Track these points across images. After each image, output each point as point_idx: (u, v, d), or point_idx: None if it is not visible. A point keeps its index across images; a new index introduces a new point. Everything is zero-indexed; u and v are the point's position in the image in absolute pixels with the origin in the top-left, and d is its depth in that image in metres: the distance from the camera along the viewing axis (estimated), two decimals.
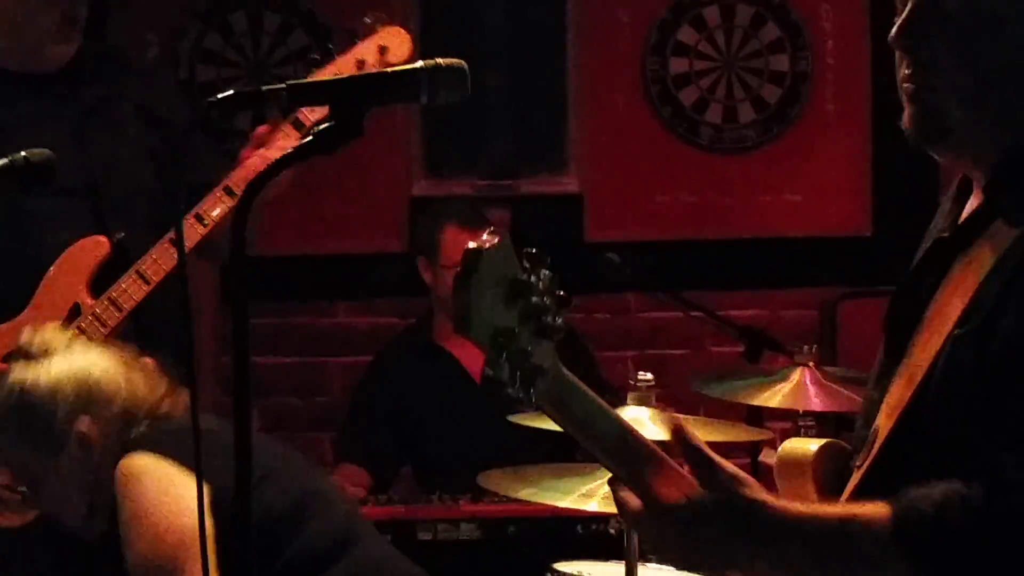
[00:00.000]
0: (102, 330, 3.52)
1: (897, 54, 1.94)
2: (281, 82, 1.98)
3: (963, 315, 1.81)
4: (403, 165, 5.90)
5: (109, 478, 2.89)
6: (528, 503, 3.65)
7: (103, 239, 3.59)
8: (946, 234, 1.94)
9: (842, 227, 5.98)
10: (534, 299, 1.74)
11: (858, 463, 1.94)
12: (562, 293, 1.78)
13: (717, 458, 1.85)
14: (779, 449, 2.12)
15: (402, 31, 3.52)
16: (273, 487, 2.93)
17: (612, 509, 3.30)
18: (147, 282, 3.51)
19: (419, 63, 1.96)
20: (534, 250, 1.77)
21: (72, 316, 3.55)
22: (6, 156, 2.58)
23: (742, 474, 1.84)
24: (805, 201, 5.98)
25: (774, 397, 3.76)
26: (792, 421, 3.87)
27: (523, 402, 1.76)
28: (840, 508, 1.86)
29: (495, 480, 3.63)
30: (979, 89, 1.87)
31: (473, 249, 1.70)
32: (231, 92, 2.00)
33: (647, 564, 3.71)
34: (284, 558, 2.91)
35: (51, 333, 3.04)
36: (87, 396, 2.93)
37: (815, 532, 1.82)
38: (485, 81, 5.85)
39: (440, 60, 1.96)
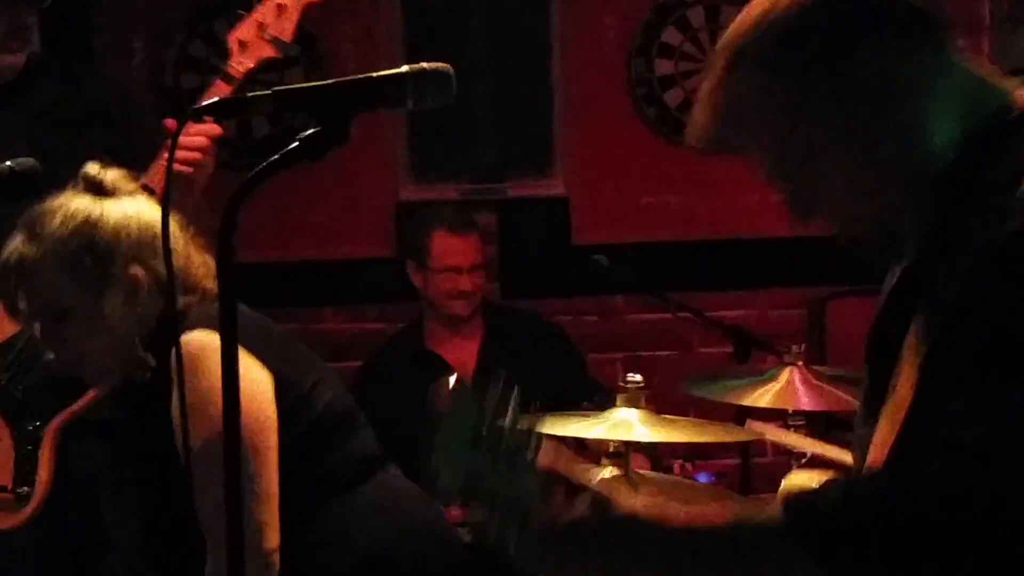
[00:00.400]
0: None
1: None
2: (266, 88, 1.98)
3: (931, 347, 1.80)
4: (389, 170, 5.90)
5: (145, 340, 2.87)
6: None
7: None
8: (901, 275, 1.95)
9: (829, 227, 5.98)
10: (502, 444, 1.74)
11: None
12: (525, 429, 1.77)
13: (585, 483, 1.87)
14: (782, 483, 2.12)
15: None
16: (329, 390, 3.02)
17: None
18: None
19: (405, 68, 1.96)
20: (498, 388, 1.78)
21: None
22: None
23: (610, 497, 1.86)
24: None
25: (763, 397, 3.76)
26: (782, 420, 3.86)
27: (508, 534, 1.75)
28: (727, 511, 1.85)
29: None
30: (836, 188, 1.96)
31: (435, 409, 1.71)
32: (216, 100, 2.00)
33: None
34: (333, 459, 2.97)
35: (120, 175, 2.95)
36: (148, 245, 2.85)
37: (708, 540, 1.81)
38: (470, 85, 5.85)
39: (425, 65, 1.96)
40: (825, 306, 5.90)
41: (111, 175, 2.92)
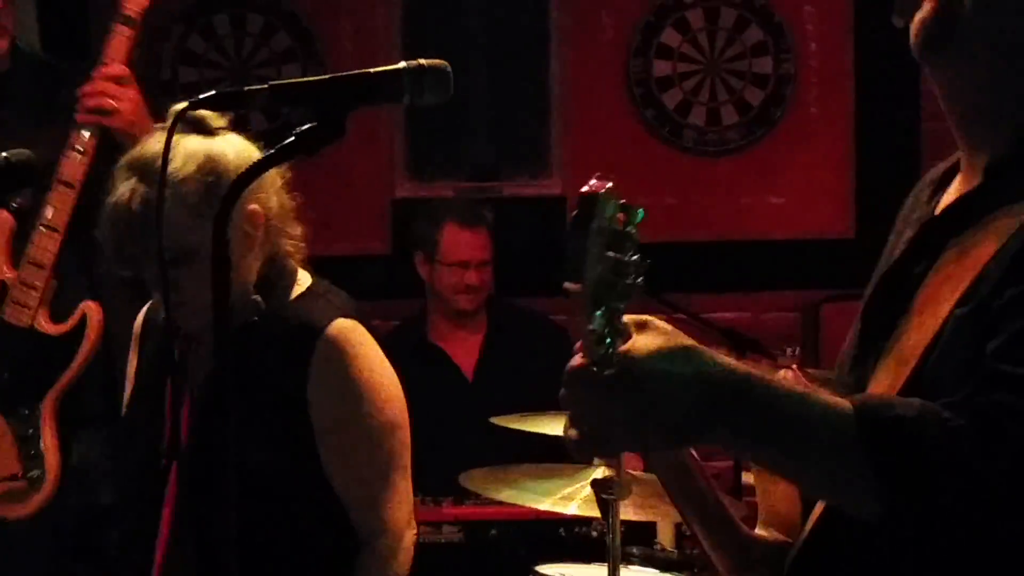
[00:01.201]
0: (34, 293, 3.53)
1: None
2: (263, 83, 1.98)
3: (964, 296, 1.73)
4: (386, 167, 5.90)
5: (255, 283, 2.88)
6: (510, 505, 3.65)
7: (3, 212, 3.59)
8: (936, 215, 1.89)
9: (825, 229, 5.99)
10: (630, 256, 1.71)
11: None
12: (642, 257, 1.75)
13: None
14: None
15: None
16: None
17: (594, 512, 3.32)
18: (55, 230, 3.51)
19: (402, 64, 1.96)
20: (623, 200, 1.73)
21: (2, 294, 3.57)
22: None
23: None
24: (788, 203, 5.98)
25: None
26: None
27: (604, 364, 1.73)
28: (799, 388, 1.78)
29: (477, 480, 3.63)
30: (1003, 30, 1.82)
31: (588, 194, 1.67)
32: (213, 93, 2.00)
33: (630, 566, 3.71)
34: None
35: (215, 114, 2.86)
36: (262, 181, 2.79)
37: (775, 401, 1.74)
38: (468, 83, 5.85)
39: (423, 61, 1.96)
40: (820, 309, 5.90)
41: (210, 114, 2.88)
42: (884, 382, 1.82)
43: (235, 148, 2.81)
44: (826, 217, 5.99)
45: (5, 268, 3.59)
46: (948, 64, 1.86)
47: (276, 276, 2.92)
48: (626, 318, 1.78)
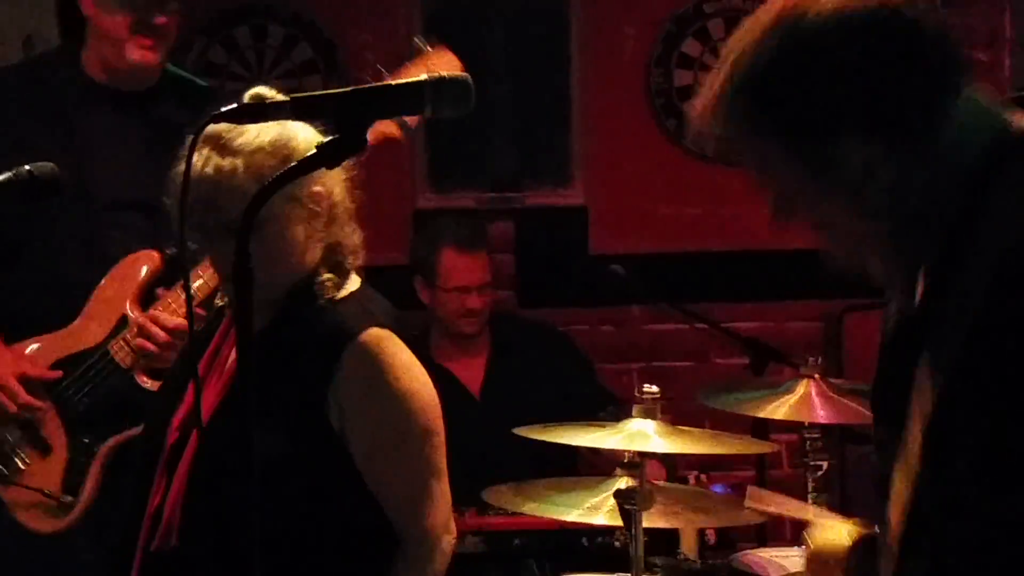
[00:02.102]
0: (145, 345, 3.57)
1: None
2: (285, 95, 1.99)
3: (934, 411, 1.78)
4: (407, 177, 5.90)
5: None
6: (535, 516, 3.65)
7: (155, 253, 3.66)
8: (909, 316, 1.92)
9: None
10: None
11: (882, 562, 1.91)
12: None
13: None
14: (811, 542, 2.10)
15: (447, 51, 3.56)
16: None
17: (617, 522, 3.32)
18: (191, 299, 3.54)
19: (423, 76, 1.96)
20: None
21: (119, 327, 3.63)
22: (52, 165, 2.60)
23: None
24: None
25: (779, 409, 3.75)
26: (798, 433, 3.85)
27: None
28: None
29: (499, 496, 3.63)
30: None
31: None
32: (235, 106, 2.01)
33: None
34: None
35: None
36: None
37: None
38: (489, 93, 5.85)
39: (444, 73, 1.97)
40: (842, 319, 5.89)
41: (280, 96, 2.91)
42: (899, 490, 1.85)
43: (304, 130, 2.85)
44: None
45: (132, 305, 3.64)
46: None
47: (336, 266, 2.95)
48: None
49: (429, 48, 3.62)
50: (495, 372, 4.92)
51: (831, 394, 3.75)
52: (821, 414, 3.71)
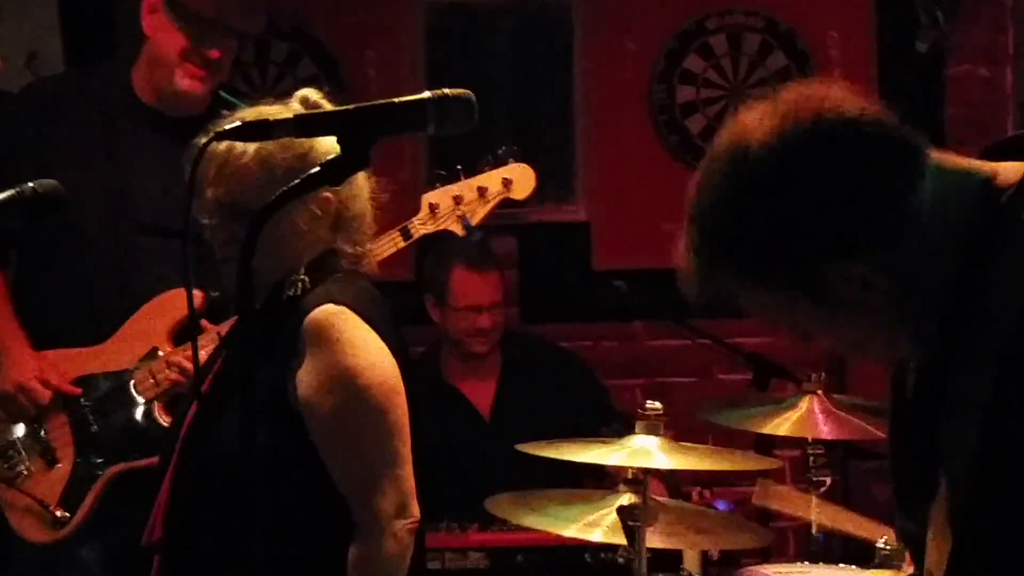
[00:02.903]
0: (169, 380, 3.58)
1: None
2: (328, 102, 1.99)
3: (968, 477, 1.77)
4: (410, 194, 5.90)
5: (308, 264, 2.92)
6: (536, 531, 3.65)
7: (199, 293, 3.63)
8: (927, 364, 1.91)
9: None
10: None
11: None
12: None
13: None
14: None
15: (531, 171, 3.61)
16: None
17: (620, 539, 3.31)
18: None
19: (426, 93, 1.96)
20: None
21: (148, 356, 3.62)
22: (54, 184, 2.60)
23: None
24: None
25: (783, 425, 3.75)
26: (801, 449, 3.85)
27: None
28: None
29: (502, 506, 3.63)
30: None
31: None
32: (238, 124, 2.01)
33: None
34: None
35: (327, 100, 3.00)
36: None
37: None
38: (491, 110, 5.86)
39: (448, 91, 1.97)
40: None
41: (325, 102, 3.00)
42: (937, 542, 1.84)
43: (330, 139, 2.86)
44: None
45: (165, 339, 3.66)
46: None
47: (324, 267, 2.96)
48: None
49: (509, 160, 3.64)
50: (506, 393, 4.91)
51: (834, 410, 3.76)
52: (824, 430, 3.71)
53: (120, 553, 3.67)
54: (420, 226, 3.58)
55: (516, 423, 4.68)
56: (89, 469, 3.65)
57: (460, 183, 3.60)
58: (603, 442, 3.49)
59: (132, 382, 3.64)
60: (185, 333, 3.63)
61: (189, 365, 3.55)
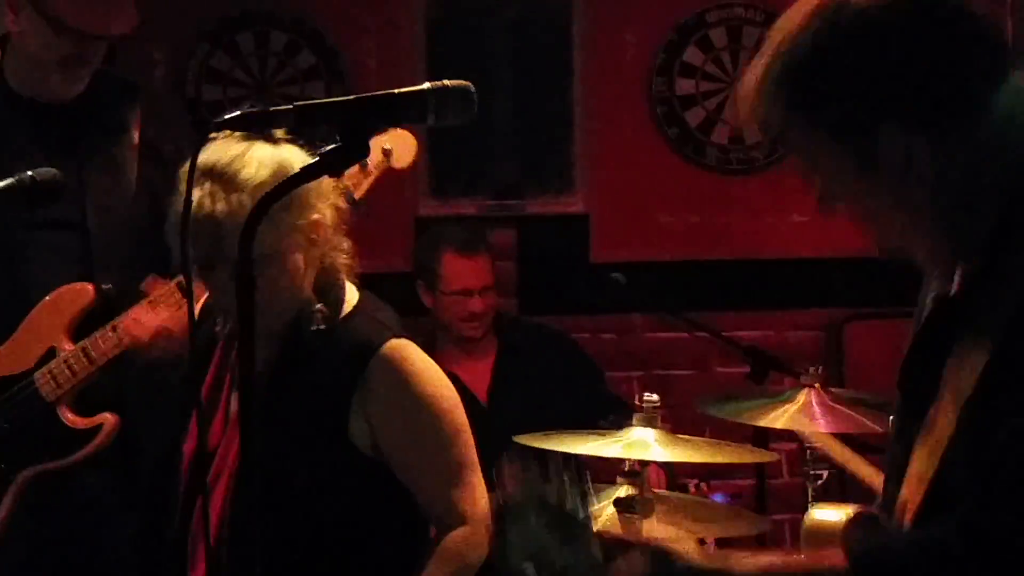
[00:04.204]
0: (72, 379, 3.53)
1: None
2: (288, 102, 1.99)
3: (977, 386, 1.77)
4: (409, 185, 5.91)
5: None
6: None
7: (89, 287, 3.60)
8: (950, 296, 1.92)
9: (848, 248, 5.95)
10: (561, 512, 1.76)
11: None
12: (583, 488, 1.81)
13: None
14: (805, 518, 2.10)
15: (411, 137, 3.53)
16: None
17: (618, 531, 3.32)
18: (120, 341, 3.51)
19: (426, 84, 1.96)
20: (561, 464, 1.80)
21: (47, 358, 3.57)
22: (12, 175, 2.59)
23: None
24: (812, 221, 5.97)
25: (780, 418, 3.75)
26: (798, 442, 3.86)
27: None
28: (794, 562, 1.84)
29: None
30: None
31: (504, 507, 1.74)
32: (238, 113, 2.01)
33: None
34: None
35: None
36: (325, 191, 2.93)
37: None
38: (491, 102, 5.86)
39: (447, 82, 1.97)
40: (843, 328, 5.89)
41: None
42: (919, 467, 1.86)
43: (299, 157, 2.86)
44: (850, 236, 5.89)
45: (63, 337, 3.58)
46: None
47: (328, 288, 2.97)
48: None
49: (387, 127, 3.57)
50: (502, 377, 4.91)
51: (832, 403, 3.76)
52: (821, 423, 3.71)
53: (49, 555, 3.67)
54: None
55: (513, 408, 4.68)
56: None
57: None
58: (600, 434, 3.50)
59: (34, 385, 3.55)
60: (83, 327, 3.56)
61: (81, 371, 3.53)
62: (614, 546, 1.89)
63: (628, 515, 3.29)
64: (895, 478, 1.91)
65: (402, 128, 3.50)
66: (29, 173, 2.70)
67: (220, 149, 2.84)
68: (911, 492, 1.86)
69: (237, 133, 2.85)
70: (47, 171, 2.67)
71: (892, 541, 1.76)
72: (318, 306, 2.93)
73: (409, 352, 2.96)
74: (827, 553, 1.79)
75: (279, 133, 2.88)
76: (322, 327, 2.92)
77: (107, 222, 3.69)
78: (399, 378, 2.92)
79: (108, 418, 3.54)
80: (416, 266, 5.01)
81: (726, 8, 5.97)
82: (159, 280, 3.55)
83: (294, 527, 2.86)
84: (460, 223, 5.43)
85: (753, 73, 1.90)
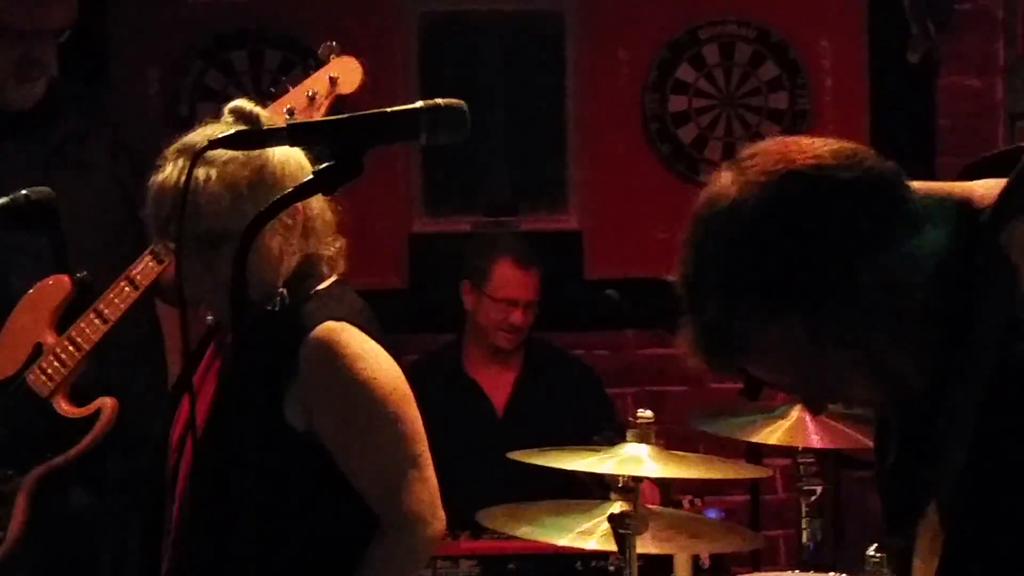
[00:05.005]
0: (63, 370, 3.54)
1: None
2: (261, 107, 2.00)
3: (955, 493, 1.78)
4: (402, 202, 5.92)
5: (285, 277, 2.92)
6: (528, 540, 3.65)
7: (65, 278, 3.61)
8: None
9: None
10: None
11: None
12: None
13: None
14: None
15: (354, 61, 3.53)
16: None
17: (611, 547, 3.32)
18: (105, 321, 3.52)
19: (419, 103, 1.97)
20: None
21: (35, 356, 3.58)
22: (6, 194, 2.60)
23: None
24: None
25: (773, 434, 3.76)
26: (791, 458, 3.86)
27: None
28: None
29: (494, 518, 3.63)
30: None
31: None
32: (232, 132, 2.02)
33: None
34: None
35: (267, 113, 2.97)
36: (295, 180, 2.80)
37: None
38: (484, 118, 5.87)
39: (440, 101, 1.98)
40: None
41: (262, 112, 2.94)
42: (924, 562, 1.85)
43: (281, 147, 2.82)
44: None
45: (47, 332, 3.59)
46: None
47: (304, 276, 2.96)
48: None
49: (332, 56, 3.57)
50: (522, 394, 4.93)
51: (825, 419, 3.76)
52: (815, 439, 3.71)
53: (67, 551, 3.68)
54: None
55: (528, 425, 4.70)
56: (7, 481, 3.57)
57: (288, 95, 3.54)
58: (594, 450, 3.50)
59: (26, 384, 3.57)
60: (66, 320, 3.58)
61: (70, 361, 3.53)
62: None
63: (622, 531, 3.29)
64: (904, 565, 1.91)
65: (345, 55, 3.52)
66: (24, 192, 2.71)
67: (202, 129, 2.88)
68: None
69: (226, 119, 2.88)
70: (41, 190, 2.69)
71: None
72: (281, 290, 2.92)
73: (343, 335, 2.88)
74: None
75: (271, 123, 2.87)
76: (276, 309, 2.90)
77: (76, 222, 3.69)
78: (330, 359, 2.86)
79: (106, 402, 3.55)
80: (466, 265, 5.02)
81: (718, 25, 5.99)
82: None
83: (243, 513, 2.84)
84: (456, 240, 5.45)
85: (690, 325, 1.97)
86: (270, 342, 2.86)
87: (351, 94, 3.47)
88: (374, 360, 2.90)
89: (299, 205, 2.89)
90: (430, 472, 2.93)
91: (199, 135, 2.86)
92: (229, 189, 2.80)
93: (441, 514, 2.93)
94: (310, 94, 3.48)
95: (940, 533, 1.79)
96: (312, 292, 2.96)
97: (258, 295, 2.89)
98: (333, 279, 3.00)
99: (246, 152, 2.80)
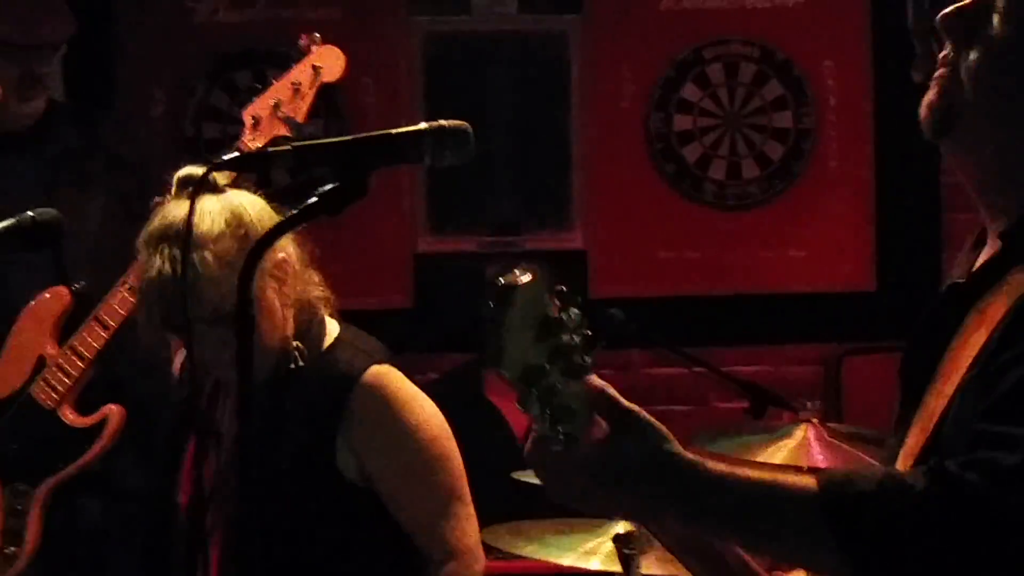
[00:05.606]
0: (66, 380, 3.55)
1: (933, 37, 1.93)
2: (285, 141, 2.00)
3: (974, 360, 1.79)
4: (407, 221, 5.92)
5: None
6: (532, 559, 3.65)
7: (64, 290, 3.62)
8: (961, 280, 1.93)
9: (846, 283, 5.99)
10: (564, 337, 1.73)
11: None
12: (590, 333, 1.77)
13: (635, 408, 1.89)
14: None
15: (335, 49, 3.53)
16: None
17: (615, 567, 3.32)
18: (106, 328, 3.53)
19: (424, 125, 1.97)
20: (564, 288, 1.76)
21: (38, 368, 3.59)
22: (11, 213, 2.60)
23: (664, 429, 1.89)
24: (809, 257, 5.99)
25: (778, 453, 3.75)
26: None
27: (552, 441, 1.77)
28: (767, 473, 1.83)
29: (499, 536, 3.63)
30: (1003, 107, 1.87)
31: (507, 284, 1.69)
32: (236, 155, 2.03)
33: None
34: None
35: (219, 173, 2.90)
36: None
37: (739, 490, 1.81)
38: (489, 138, 5.87)
39: (444, 123, 1.98)
40: (841, 363, 5.89)
41: (216, 174, 2.90)
42: (911, 444, 1.88)
43: (248, 200, 2.88)
44: (847, 270, 5.99)
45: (49, 344, 3.60)
46: (957, 143, 1.92)
47: (308, 325, 2.98)
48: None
49: (313, 47, 3.56)
50: None
51: (830, 438, 3.76)
52: (820, 459, 3.71)
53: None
54: (250, 142, 3.51)
55: None
56: (20, 495, 3.58)
57: (273, 87, 3.54)
58: None
59: (32, 397, 3.57)
60: (67, 330, 3.58)
61: (74, 370, 3.54)
62: (602, 402, 1.86)
63: (627, 551, 3.29)
64: (891, 462, 1.92)
65: (325, 45, 3.51)
66: (29, 214, 2.71)
67: (169, 212, 2.85)
68: (902, 466, 1.87)
69: (181, 192, 2.86)
70: (47, 211, 2.68)
71: (861, 474, 1.77)
72: (296, 343, 2.93)
73: (392, 378, 2.94)
74: (800, 476, 1.80)
75: (221, 179, 2.89)
76: (301, 364, 2.92)
77: (79, 237, 3.69)
78: (382, 405, 2.91)
79: (112, 409, 3.56)
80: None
81: (723, 44, 5.99)
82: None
83: (291, 564, 2.86)
84: (461, 259, 5.45)
85: None
86: (307, 396, 2.90)
87: (335, 82, 3.48)
88: (423, 402, 2.98)
89: (286, 257, 2.91)
90: (471, 509, 3.01)
91: (162, 222, 2.84)
92: (227, 267, 2.79)
93: (482, 553, 3.01)
94: (294, 85, 3.49)
95: (940, 404, 1.81)
96: (335, 339, 2.99)
97: (274, 356, 2.91)
98: (337, 325, 3.03)
99: (227, 222, 2.81)
